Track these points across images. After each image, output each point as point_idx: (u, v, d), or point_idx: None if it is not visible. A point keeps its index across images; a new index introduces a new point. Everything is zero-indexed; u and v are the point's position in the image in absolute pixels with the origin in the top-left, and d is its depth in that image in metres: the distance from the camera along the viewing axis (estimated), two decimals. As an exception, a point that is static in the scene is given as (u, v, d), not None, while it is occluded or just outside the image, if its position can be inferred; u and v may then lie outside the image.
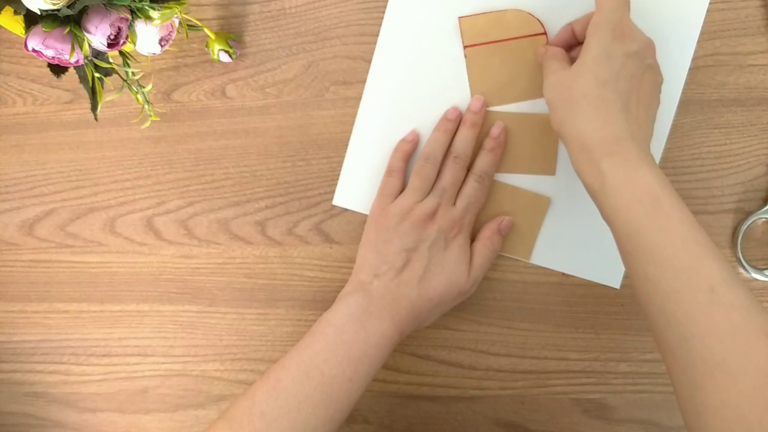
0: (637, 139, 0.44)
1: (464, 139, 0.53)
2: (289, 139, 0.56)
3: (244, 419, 0.45)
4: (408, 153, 0.54)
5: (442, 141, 0.53)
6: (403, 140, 0.54)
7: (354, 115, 0.55)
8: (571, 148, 0.45)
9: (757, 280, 0.53)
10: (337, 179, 0.56)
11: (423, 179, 0.52)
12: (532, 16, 0.53)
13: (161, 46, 0.50)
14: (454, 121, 0.53)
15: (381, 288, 0.49)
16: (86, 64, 0.49)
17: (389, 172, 0.54)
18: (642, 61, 0.46)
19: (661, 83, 0.48)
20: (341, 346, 0.47)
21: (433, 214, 0.51)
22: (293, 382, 0.46)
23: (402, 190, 0.53)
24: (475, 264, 0.52)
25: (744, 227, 0.52)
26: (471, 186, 0.52)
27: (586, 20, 0.47)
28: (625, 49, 0.45)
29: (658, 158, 0.53)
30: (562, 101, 0.46)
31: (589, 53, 0.45)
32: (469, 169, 0.53)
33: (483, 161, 0.53)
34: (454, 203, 0.52)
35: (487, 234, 0.53)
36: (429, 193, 0.52)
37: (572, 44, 0.51)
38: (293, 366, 0.47)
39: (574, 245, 0.54)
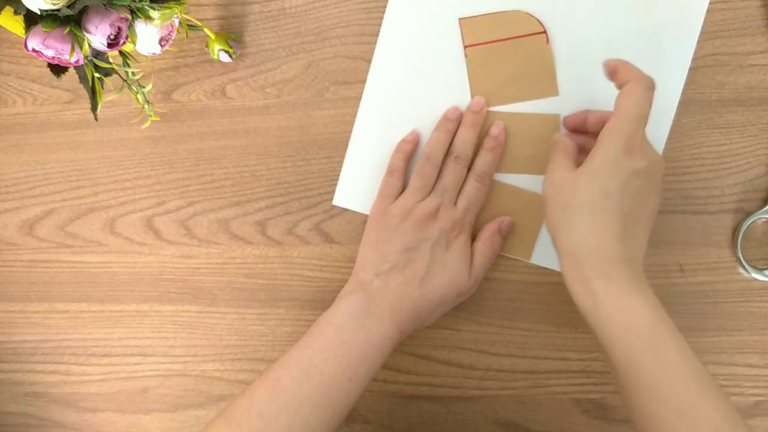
0: (632, 261, 0.43)
1: (465, 138, 0.53)
2: (289, 139, 0.56)
3: (243, 419, 0.45)
4: (409, 153, 0.54)
5: (442, 141, 0.53)
6: (404, 140, 0.54)
7: (354, 115, 0.55)
8: (563, 260, 0.44)
9: (757, 280, 0.53)
10: (337, 179, 0.56)
11: (424, 179, 0.52)
12: (532, 15, 0.53)
13: (161, 46, 0.50)
14: (455, 121, 0.53)
15: (382, 287, 0.49)
16: (86, 64, 0.49)
17: (390, 172, 0.54)
18: (648, 181, 0.44)
19: (658, 204, 0.46)
20: (341, 346, 0.47)
21: (434, 214, 0.51)
22: (292, 382, 0.46)
23: (403, 190, 0.53)
24: (476, 264, 0.52)
25: (744, 227, 0.52)
26: (472, 186, 0.52)
27: (602, 117, 0.46)
28: (635, 165, 0.43)
29: (658, 158, 0.53)
30: (561, 204, 0.44)
31: (597, 159, 0.43)
32: (469, 169, 0.53)
33: (483, 161, 0.53)
34: (455, 203, 0.52)
35: (487, 234, 0.53)
36: (430, 193, 0.52)
37: (581, 131, 0.51)
38: (292, 366, 0.46)
39: (574, 245, 0.54)
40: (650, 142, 0.45)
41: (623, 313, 0.42)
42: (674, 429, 0.40)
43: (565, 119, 0.52)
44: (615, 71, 0.46)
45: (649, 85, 0.44)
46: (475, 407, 0.56)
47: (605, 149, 0.43)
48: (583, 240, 0.43)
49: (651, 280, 0.52)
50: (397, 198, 0.53)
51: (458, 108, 0.54)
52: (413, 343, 0.56)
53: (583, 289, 0.43)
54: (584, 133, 0.50)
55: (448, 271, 0.50)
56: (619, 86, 0.45)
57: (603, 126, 0.44)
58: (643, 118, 0.43)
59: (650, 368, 0.41)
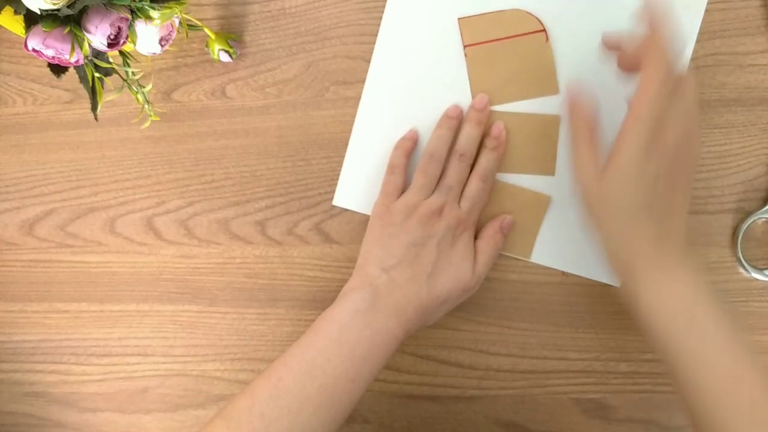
0: (671, 239, 0.44)
1: (469, 136, 0.53)
2: (289, 139, 0.56)
3: (243, 419, 0.44)
4: (409, 150, 0.54)
5: (445, 138, 0.53)
6: (403, 138, 0.54)
7: (354, 115, 0.55)
8: (608, 257, 0.46)
9: (757, 280, 0.53)
10: (337, 179, 0.56)
11: (428, 177, 0.52)
12: (531, 14, 0.53)
13: (161, 45, 0.50)
14: (456, 119, 0.53)
15: (389, 283, 0.49)
16: (86, 64, 0.49)
17: (391, 170, 0.54)
18: (677, 157, 0.43)
19: (696, 157, 0.47)
20: (345, 346, 0.46)
21: (439, 212, 0.51)
22: (295, 381, 0.45)
23: (404, 188, 0.53)
24: (480, 261, 0.52)
25: (744, 227, 0.52)
26: (475, 185, 0.52)
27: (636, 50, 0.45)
28: (658, 163, 0.42)
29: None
30: (591, 207, 0.45)
31: (619, 166, 0.43)
32: (471, 168, 0.53)
33: (486, 160, 0.53)
34: (459, 202, 0.52)
35: (489, 232, 0.53)
36: (434, 191, 0.52)
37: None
38: (295, 365, 0.46)
39: (574, 244, 0.54)
40: (673, 118, 0.42)
41: (662, 303, 0.43)
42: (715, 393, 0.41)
43: (605, 41, 0.49)
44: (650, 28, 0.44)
45: (667, 74, 0.42)
46: (475, 407, 0.56)
47: (626, 153, 0.42)
48: (620, 237, 0.44)
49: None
50: (399, 195, 0.53)
51: (459, 106, 0.54)
52: (413, 343, 0.56)
53: (626, 280, 0.45)
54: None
55: (454, 268, 0.50)
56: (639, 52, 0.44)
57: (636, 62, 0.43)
58: (659, 118, 0.42)
59: (690, 348, 0.42)
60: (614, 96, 0.53)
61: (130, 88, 0.52)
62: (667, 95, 0.42)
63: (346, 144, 0.55)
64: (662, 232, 0.44)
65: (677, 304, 0.43)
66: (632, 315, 0.45)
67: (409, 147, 0.54)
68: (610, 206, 0.44)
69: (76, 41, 0.47)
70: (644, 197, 0.43)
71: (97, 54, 0.50)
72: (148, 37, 0.49)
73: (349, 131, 0.55)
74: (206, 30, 0.53)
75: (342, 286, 0.51)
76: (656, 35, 0.43)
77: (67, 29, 0.46)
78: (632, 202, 0.43)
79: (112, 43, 0.47)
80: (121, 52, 0.51)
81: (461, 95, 0.54)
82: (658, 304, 0.43)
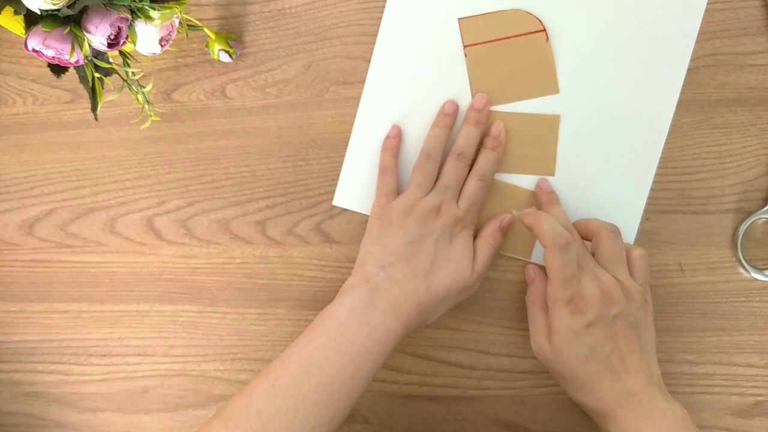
0: (637, 390, 0.46)
1: (468, 136, 0.53)
2: (289, 139, 0.56)
3: (241, 418, 0.44)
4: (396, 149, 0.54)
5: (442, 137, 0.53)
6: (388, 137, 0.54)
7: (354, 115, 0.55)
8: (572, 398, 0.50)
9: (757, 280, 0.53)
10: (337, 179, 0.56)
11: (425, 175, 0.52)
12: (531, 14, 0.53)
13: (161, 46, 0.50)
14: (452, 115, 0.53)
15: (387, 280, 0.49)
16: (86, 64, 0.49)
17: (383, 171, 0.54)
18: (606, 318, 0.47)
19: (640, 310, 0.48)
20: (343, 343, 0.46)
21: (437, 210, 0.51)
22: (292, 379, 0.45)
23: (398, 187, 0.53)
24: (479, 260, 0.52)
25: (744, 227, 0.52)
26: (474, 185, 0.52)
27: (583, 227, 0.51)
28: (585, 320, 0.47)
29: (657, 158, 0.53)
30: (552, 370, 0.50)
31: (556, 335, 0.48)
32: (470, 167, 0.53)
33: (486, 160, 0.53)
34: (457, 202, 0.52)
35: (489, 231, 0.53)
36: (431, 190, 0.52)
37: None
38: (293, 363, 0.46)
39: (574, 245, 0.54)
40: (588, 281, 0.48)
41: None
42: None
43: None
44: (532, 229, 0.50)
45: (565, 245, 0.47)
46: (475, 407, 0.56)
47: (557, 321, 0.48)
48: (587, 397, 0.48)
49: (652, 279, 0.53)
50: (395, 195, 0.53)
51: (454, 102, 0.54)
52: (413, 343, 0.56)
53: (605, 426, 0.48)
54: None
55: (453, 265, 0.50)
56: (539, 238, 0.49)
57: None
58: (571, 278, 0.47)
59: None
60: (614, 96, 0.53)
61: (130, 88, 0.52)
62: (570, 262, 0.47)
63: (346, 144, 0.55)
64: (624, 371, 0.47)
65: None
66: None
67: (396, 145, 0.54)
68: (562, 370, 0.48)
69: (76, 41, 0.47)
70: (587, 352, 0.47)
71: (97, 54, 0.50)
72: (148, 37, 0.49)
73: (349, 131, 0.55)
74: (206, 30, 0.53)
75: (342, 286, 0.51)
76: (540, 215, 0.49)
77: (67, 29, 0.46)
78: (577, 360, 0.47)
79: (112, 43, 0.47)
80: (121, 52, 0.51)
81: (461, 95, 0.54)
82: None
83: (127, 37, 0.48)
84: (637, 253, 0.50)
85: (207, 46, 0.54)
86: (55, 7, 0.44)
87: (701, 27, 0.52)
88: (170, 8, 0.48)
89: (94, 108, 0.51)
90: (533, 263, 0.54)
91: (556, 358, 0.48)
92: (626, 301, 0.47)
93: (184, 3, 0.49)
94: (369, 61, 0.55)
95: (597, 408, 0.47)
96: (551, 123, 0.53)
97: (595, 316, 0.47)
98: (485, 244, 0.52)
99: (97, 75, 0.50)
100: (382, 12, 0.54)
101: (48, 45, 0.46)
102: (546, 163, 0.54)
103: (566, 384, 0.49)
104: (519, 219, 0.52)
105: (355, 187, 0.56)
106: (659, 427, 0.45)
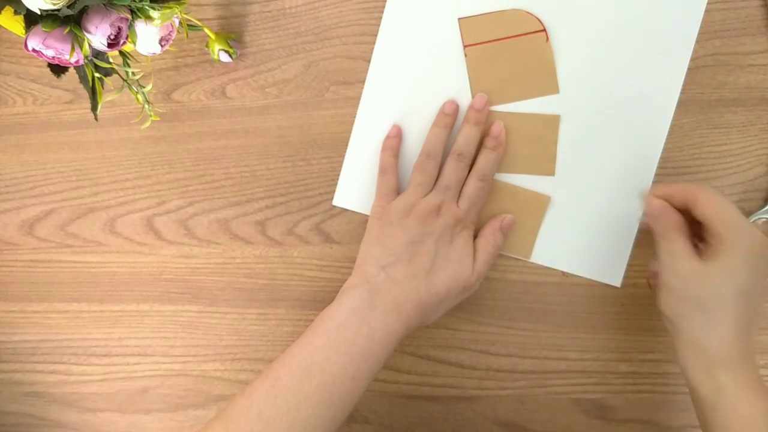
0: (753, 355, 0.44)
1: (468, 136, 0.53)
2: (289, 139, 0.56)
3: (241, 419, 0.44)
4: (396, 148, 0.54)
5: (442, 137, 0.53)
6: (388, 137, 0.54)
7: (354, 115, 0.55)
8: (685, 348, 0.45)
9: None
10: (337, 179, 0.56)
11: (425, 175, 0.52)
12: (531, 14, 0.53)
13: (161, 46, 0.50)
14: (452, 115, 0.53)
15: (388, 280, 0.49)
16: (86, 64, 0.49)
17: (383, 171, 0.54)
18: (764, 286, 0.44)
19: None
20: (344, 343, 0.46)
21: (437, 210, 0.51)
22: (293, 380, 0.45)
23: (398, 187, 0.53)
24: (479, 260, 0.52)
25: (744, 227, 0.52)
26: (474, 185, 0.52)
27: (685, 192, 0.46)
28: (762, 265, 0.44)
29: (657, 158, 0.53)
30: (688, 296, 0.45)
31: (731, 257, 0.43)
32: (470, 167, 0.53)
33: (486, 160, 0.53)
34: (457, 202, 0.52)
35: (489, 231, 0.53)
36: (432, 190, 0.52)
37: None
38: (293, 364, 0.46)
39: (574, 244, 0.54)
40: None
41: (747, 407, 0.42)
42: None
43: (658, 192, 0.49)
44: (671, 198, 0.47)
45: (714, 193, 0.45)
46: (475, 407, 0.56)
47: (738, 248, 0.43)
48: (711, 332, 0.44)
49: (651, 279, 0.53)
50: (395, 195, 0.53)
51: (454, 101, 0.54)
52: (413, 343, 0.56)
53: (707, 379, 0.44)
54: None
55: (453, 265, 0.50)
56: (684, 206, 0.46)
57: (686, 199, 0.46)
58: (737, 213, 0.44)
59: None
60: (614, 96, 0.53)
61: (130, 88, 0.52)
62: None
63: (346, 144, 0.55)
64: (752, 329, 0.44)
65: (762, 415, 0.42)
66: (701, 400, 0.44)
67: (396, 145, 0.54)
68: (713, 292, 0.44)
69: (76, 41, 0.47)
70: (750, 291, 0.43)
71: (97, 54, 0.50)
72: (148, 37, 0.49)
73: (349, 131, 0.55)
74: (206, 30, 0.53)
75: (342, 286, 0.51)
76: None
77: (67, 29, 0.46)
78: (738, 290, 0.43)
79: (112, 43, 0.47)
80: (121, 52, 0.51)
81: (461, 95, 0.54)
82: (745, 406, 0.42)
83: (127, 37, 0.48)
84: None
85: (207, 46, 0.54)
86: (55, 7, 0.44)
87: (701, 27, 0.52)
88: (170, 8, 0.48)
89: (94, 108, 0.51)
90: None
91: (705, 282, 0.44)
92: None
93: (184, 3, 0.49)
94: (369, 61, 0.55)
95: (718, 349, 0.43)
96: (551, 123, 0.53)
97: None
98: (485, 244, 0.52)
99: (97, 75, 0.50)
100: (382, 12, 0.54)
101: (48, 45, 0.46)
102: (546, 163, 0.54)
103: (695, 309, 0.44)
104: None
105: (355, 187, 0.56)
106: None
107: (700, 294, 0.44)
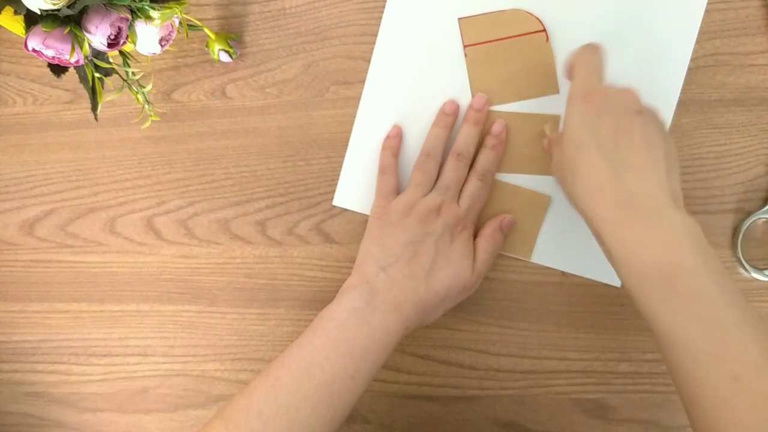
0: (640, 192, 0.40)
1: (467, 136, 0.53)
2: (289, 139, 0.56)
3: (241, 419, 0.44)
4: (396, 148, 0.54)
5: (442, 137, 0.53)
6: (388, 136, 0.54)
7: (354, 115, 0.55)
8: (585, 220, 0.43)
9: (757, 280, 0.53)
10: (337, 179, 0.56)
11: (425, 175, 0.52)
12: (531, 14, 0.53)
13: (161, 46, 0.50)
14: (453, 115, 0.53)
15: (387, 280, 0.49)
16: (86, 64, 0.49)
17: (383, 171, 0.54)
18: (624, 112, 0.43)
19: (661, 124, 0.44)
20: (343, 343, 0.46)
21: (437, 210, 0.51)
22: (292, 380, 0.45)
23: (398, 187, 0.53)
24: (479, 260, 0.52)
25: (744, 227, 0.52)
26: (474, 185, 0.52)
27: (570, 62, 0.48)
28: (597, 107, 0.43)
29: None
30: (563, 177, 0.45)
31: (566, 124, 0.44)
32: (470, 167, 0.53)
33: (485, 159, 0.53)
34: (457, 202, 0.52)
35: (489, 231, 0.53)
36: (432, 190, 0.52)
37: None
38: (293, 363, 0.46)
39: (574, 244, 0.54)
40: (611, 84, 0.46)
41: (634, 258, 0.39)
42: (693, 374, 0.37)
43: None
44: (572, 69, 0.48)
45: (592, 48, 0.46)
46: (475, 407, 0.56)
47: (569, 111, 0.44)
48: (584, 192, 0.42)
49: (651, 279, 0.52)
50: (395, 195, 0.53)
51: (455, 102, 0.54)
52: (413, 343, 0.56)
53: (599, 238, 0.42)
54: None
55: (453, 265, 0.50)
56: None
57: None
58: (595, 73, 0.45)
59: (665, 317, 0.38)
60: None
61: (130, 88, 0.52)
62: (593, 59, 0.46)
63: (346, 144, 0.55)
64: (625, 169, 0.41)
65: (652, 263, 0.38)
66: (607, 257, 0.42)
67: (396, 145, 0.54)
68: (567, 154, 0.43)
69: (76, 41, 0.47)
70: (591, 136, 0.42)
71: (97, 54, 0.50)
72: (148, 37, 0.49)
73: (349, 131, 0.55)
74: (206, 30, 0.53)
75: (342, 286, 0.51)
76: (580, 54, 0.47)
77: (67, 29, 0.46)
78: (580, 142, 0.42)
79: (112, 43, 0.47)
80: (121, 52, 0.51)
81: (461, 95, 0.54)
82: (632, 255, 0.39)
83: (127, 37, 0.48)
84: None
85: (207, 46, 0.54)
86: (55, 7, 0.44)
87: (701, 27, 0.52)
88: (170, 8, 0.48)
89: (94, 108, 0.51)
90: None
91: (561, 154, 0.44)
92: (641, 104, 0.44)
93: (184, 3, 0.49)
94: (369, 61, 0.55)
95: (592, 211, 0.41)
96: (552, 123, 0.53)
97: (611, 104, 0.43)
98: (485, 244, 0.52)
99: (97, 75, 0.50)
100: (382, 12, 0.54)
101: (48, 45, 0.46)
102: (545, 162, 0.54)
103: (569, 183, 0.43)
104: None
105: (355, 187, 0.56)
106: (664, 238, 0.39)
107: (564, 168, 0.44)
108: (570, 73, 0.48)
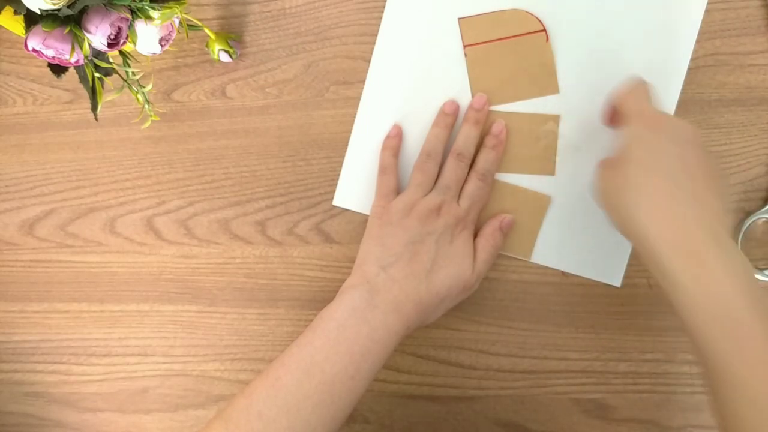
0: (703, 221, 0.39)
1: (467, 136, 0.53)
2: (289, 139, 0.56)
3: (241, 419, 0.44)
4: (396, 148, 0.54)
5: (442, 137, 0.53)
6: (388, 136, 0.54)
7: (354, 115, 0.55)
8: (636, 247, 0.42)
9: (757, 280, 0.53)
10: (337, 179, 0.56)
11: (425, 175, 0.52)
12: (531, 14, 0.53)
13: (161, 45, 0.50)
14: (453, 115, 0.53)
15: (388, 280, 0.49)
16: (86, 64, 0.49)
17: (383, 171, 0.54)
18: (688, 143, 0.42)
19: (717, 161, 0.43)
20: (343, 343, 0.46)
21: (437, 210, 0.51)
22: (293, 380, 0.45)
23: (398, 187, 0.53)
24: (479, 259, 0.52)
25: (744, 227, 0.52)
26: (474, 184, 0.52)
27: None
28: (661, 134, 0.42)
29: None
30: (619, 200, 0.42)
31: (629, 148, 0.43)
32: (470, 167, 0.53)
33: (486, 159, 0.53)
34: (458, 201, 0.52)
35: (489, 231, 0.53)
36: (432, 190, 0.52)
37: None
38: (293, 363, 0.46)
39: (574, 244, 0.54)
40: (672, 115, 0.46)
41: (701, 294, 0.38)
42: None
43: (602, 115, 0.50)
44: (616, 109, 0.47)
45: (641, 79, 0.46)
46: (475, 407, 0.56)
47: (630, 131, 0.43)
48: (645, 218, 0.41)
49: (652, 280, 0.53)
50: (395, 195, 0.53)
51: (455, 101, 0.54)
52: (413, 343, 0.56)
53: (657, 269, 0.40)
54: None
55: (454, 265, 0.50)
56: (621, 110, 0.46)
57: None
58: (649, 99, 0.45)
59: (734, 363, 0.37)
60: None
61: (130, 88, 0.52)
62: (643, 89, 0.46)
63: (346, 144, 0.55)
64: (690, 197, 0.40)
65: (721, 301, 0.38)
66: (663, 288, 0.40)
67: (396, 145, 0.54)
68: (628, 176, 0.42)
69: (76, 41, 0.47)
70: (654, 159, 0.41)
71: (97, 54, 0.50)
72: (148, 37, 0.49)
73: (349, 131, 0.55)
74: (206, 30, 0.53)
75: (342, 286, 0.51)
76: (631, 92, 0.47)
77: (67, 29, 0.46)
78: (644, 162, 0.41)
79: (112, 43, 0.47)
80: (121, 52, 0.51)
81: (461, 95, 0.54)
82: (698, 290, 0.38)
83: (127, 37, 0.48)
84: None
85: (207, 46, 0.54)
86: (55, 7, 0.44)
87: (701, 27, 0.52)
88: (170, 8, 0.48)
89: (94, 108, 0.51)
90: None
91: (618, 177, 0.42)
92: (700, 137, 0.43)
93: (184, 3, 0.49)
94: (369, 61, 0.55)
95: (656, 234, 0.40)
96: (551, 123, 0.53)
97: (667, 134, 0.42)
98: (486, 243, 0.52)
99: (97, 75, 0.50)
100: (382, 12, 0.54)
101: (48, 45, 0.46)
102: (546, 163, 0.54)
103: (624, 208, 0.42)
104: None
105: (355, 187, 0.56)
106: (732, 278, 0.38)
107: (619, 192, 0.42)
108: (618, 101, 0.46)
